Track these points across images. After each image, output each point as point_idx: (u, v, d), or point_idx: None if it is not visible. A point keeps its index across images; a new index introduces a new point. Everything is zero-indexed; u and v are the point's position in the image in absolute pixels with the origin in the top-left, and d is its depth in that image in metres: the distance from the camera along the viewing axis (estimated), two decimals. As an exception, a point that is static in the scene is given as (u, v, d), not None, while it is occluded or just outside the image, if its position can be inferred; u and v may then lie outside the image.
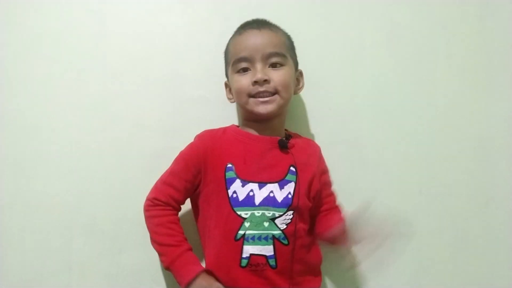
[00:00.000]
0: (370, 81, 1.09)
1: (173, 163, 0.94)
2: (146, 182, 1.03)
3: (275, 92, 0.90)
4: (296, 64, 0.98)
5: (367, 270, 1.03)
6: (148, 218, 0.91)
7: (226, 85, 1.00)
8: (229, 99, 1.00)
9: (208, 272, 0.86)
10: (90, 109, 1.07)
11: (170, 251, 0.86)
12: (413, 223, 1.04)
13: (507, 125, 1.08)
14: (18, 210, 1.04)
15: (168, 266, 0.87)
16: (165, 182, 0.92)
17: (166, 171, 0.93)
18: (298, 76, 0.99)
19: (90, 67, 1.07)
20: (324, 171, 0.97)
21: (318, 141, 1.06)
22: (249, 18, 1.04)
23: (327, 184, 0.97)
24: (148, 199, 0.92)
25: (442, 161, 1.06)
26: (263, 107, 0.90)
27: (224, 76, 1.02)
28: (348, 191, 1.03)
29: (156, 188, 0.92)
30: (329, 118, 1.07)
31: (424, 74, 1.09)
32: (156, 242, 0.89)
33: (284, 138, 0.93)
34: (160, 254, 0.89)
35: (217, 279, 0.86)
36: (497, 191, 1.06)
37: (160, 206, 0.90)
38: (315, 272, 0.93)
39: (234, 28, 1.02)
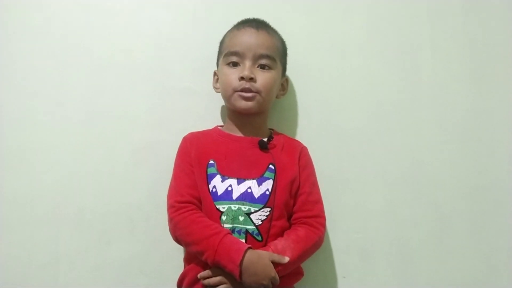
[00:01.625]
0: (356, 74, 1.09)
1: (173, 173, 0.95)
2: (134, 174, 1.05)
3: (257, 92, 0.93)
4: (284, 70, 1.01)
5: (352, 259, 1.04)
6: (177, 224, 0.87)
7: (215, 74, 1.02)
8: (215, 88, 1.02)
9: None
10: (76, 102, 1.07)
11: (211, 243, 0.83)
12: (398, 211, 1.05)
13: (491, 115, 1.09)
14: (5, 203, 1.04)
15: (213, 259, 0.83)
16: (176, 186, 0.92)
17: (171, 181, 0.93)
18: (284, 82, 1.02)
19: (75, 60, 1.08)
20: (303, 167, 0.96)
21: (305, 133, 1.07)
22: (234, 11, 1.06)
23: (304, 181, 0.94)
24: (170, 207, 0.90)
25: (427, 151, 1.07)
26: (244, 103, 0.93)
27: (210, 67, 1.02)
28: (336, 183, 1.05)
29: (171, 196, 0.91)
30: (316, 111, 1.08)
31: (409, 66, 1.10)
32: (194, 243, 0.85)
33: (265, 139, 0.95)
34: (201, 254, 0.85)
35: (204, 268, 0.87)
36: (481, 180, 1.07)
37: (184, 209, 0.88)
38: (295, 271, 0.91)
39: (219, 21, 1.03)
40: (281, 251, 0.85)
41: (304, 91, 1.08)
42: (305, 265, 0.95)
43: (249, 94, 0.93)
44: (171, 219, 0.89)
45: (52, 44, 1.08)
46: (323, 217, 0.94)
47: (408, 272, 1.05)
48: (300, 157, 0.96)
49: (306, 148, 1.00)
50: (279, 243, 0.87)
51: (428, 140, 1.08)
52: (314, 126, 1.07)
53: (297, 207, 0.93)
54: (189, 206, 0.88)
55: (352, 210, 1.05)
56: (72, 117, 1.07)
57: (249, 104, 0.93)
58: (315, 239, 0.90)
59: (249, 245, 0.84)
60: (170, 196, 0.92)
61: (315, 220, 0.92)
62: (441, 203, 1.06)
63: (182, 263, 0.95)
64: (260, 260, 0.82)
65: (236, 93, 0.93)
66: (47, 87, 1.07)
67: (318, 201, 0.95)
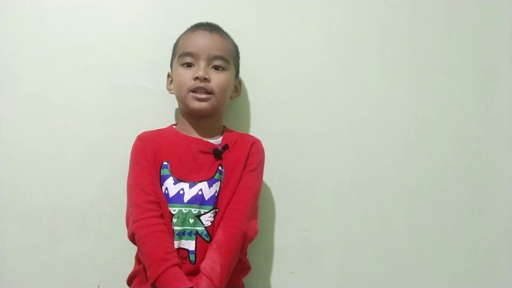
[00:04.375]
0: (309, 78, 1.14)
1: (132, 170, 0.94)
2: (86, 170, 1.05)
3: (211, 92, 0.95)
4: (237, 72, 1.03)
5: (300, 255, 1.09)
6: (139, 229, 0.87)
7: (169, 75, 1.03)
8: (168, 89, 1.03)
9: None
10: (28, 97, 1.05)
11: (156, 266, 0.84)
12: (344, 210, 1.11)
13: (431, 122, 1.16)
14: None
15: (153, 283, 0.84)
16: (140, 184, 0.91)
17: (131, 179, 0.93)
18: (237, 83, 1.04)
19: (29, 54, 1.06)
20: (249, 156, 0.96)
21: (258, 133, 1.09)
22: (193, 11, 1.08)
23: (246, 174, 0.95)
24: (137, 206, 0.89)
25: (372, 154, 1.14)
26: (198, 104, 0.95)
27: (167, 67, 1.03)
28: (286, 182, 1.10)
29: (137, 194, 0.91)
30: (270, 112, 1.12)
31: (358, 73, 1.15)
32: (144, 254, 0.86)
33: (219, 143, 0.96)
34: (146, 268, 0.86)
35: None
36: (420, 182, 1.14)
37: (150, 212, 0.88)
38: (240, 261, 0.93)
39: (178, 20, 1.04)
40: (210, 271, 0.84)
41: (258, 93, 1.12)
42: (255, 261, 0.99)
43: (203, 96, 0.94)
44: (136, 220, 0.88)
45: (4, 37, 1.05)
46: (244, 203, 0.91)
47: (352, 267, 1.11)
48: (250, 149, 0.97)
49: (259, 141, 1.00)
50: (206, 263, 0.86)
51: (373, 144, 1.14)
52: (267, 128, 1.10)
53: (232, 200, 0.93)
54: (155, 211, 0.89)
55: (301, 209, 1.10)
56: (24, 112, 1.05)
57: (203, 105, 0.94)
58: (236, 233, 0.88)
59: (191, 286, 0.82)
60: (135, 194, 0.90)
61: (233, 209, 0.91)
62: (383, 203, 1.13)
63: (133, 260, 0.95)
64: None
65: (191, 93, 0.94)
66: (-4, 81, 1.04)
67: (248, 188, 0.94)
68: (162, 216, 0.89)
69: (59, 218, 1.03)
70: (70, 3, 1.08)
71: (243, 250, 0.91)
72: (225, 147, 0.96)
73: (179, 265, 0.85)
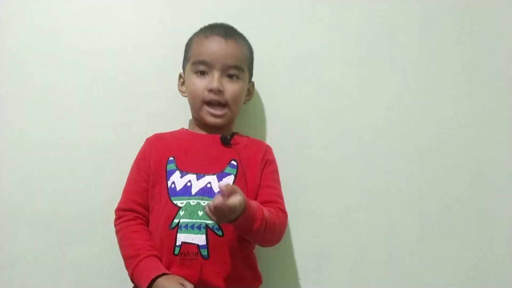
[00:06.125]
0: (318, 83, 1.13)
1: (129, 173, 0.96)
2: (95, 177, 1.05)
3: (225, 104, 0.94)
4: (251, 75, 1.02)
5: (308, 261, 1.08)
6: (116, 234, 0.92)
7: (180, 76, 1.02)
8: (180, 91, 1.02)
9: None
10: (38, 102, 1.06)
11: (129, 263, 0.87)
12: (353, 216, 1.11)
13: (441, 128, 1.16)
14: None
15: (132, 280, 0.87)
16: (125, 190, 0.95)
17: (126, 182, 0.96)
18: (250, 87, 1.03)
19: (39, 59, 1.06)
20: (268, 164, 0.97)
21: (267, 139, 1.10)
22: (201, 16, 1.06)
23: (267, 174, 0.96)
24: (115, 213, 0.93)
25: (381, 160, 1.13)
26: (213, 119, 0.95)
27: (176, 71, 1.03)
28: (295, 188, 1.08)
29: (120, 200, 0.94)
30: (278, 117, 1.11)
31: (368, 77, 1.15)
32: (122, 256, 0.90)
33: (227, 136, 0.96)
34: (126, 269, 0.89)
35: None
36: (429, 188, 1.13)
37: (122, 218, 0.91)
38: (253, 268, 0.93)
39: (186, 25, 1.03)
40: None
41: (267, 98, 1.11)
42: (263, 267, 0.98)
43: (219, 112, 0.94)
44: (114, 226, 0.93)
45: (14, 42, 1.06)
46: (286, 213, 0.93)
47: (361, 274, 1.10)
48: (265, 155, 0.98)
49: (270, 148, 1.02)
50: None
51: (383, 149, 1.13)
52: (275, 133, 1.10)
53: (261, 200, 0.92)
54: (128, 215, 0.91)
55: (309, 215, 1.09)
56: (33, 117, 1.05)
57: (218, 120, 0.95)
58: (283, 222, 0.90)
59: (162, 272, 0.82)
60: (121, 198, 0.94)
61: (281, 210, 0.92)
62: (393, 209, 1.12)
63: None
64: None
65: (205, 107, 0.95)
66: (7, 86, 1.05)
67: (281, 197, 0.95)
68: (137, 218, 0.91)
69: (68, 223, 1.03)
70: (79, 9, 1.08)
71: (272, 234, 0.88)
72: (233, 134, 0.97)
73: (153, 256, 0.86)
